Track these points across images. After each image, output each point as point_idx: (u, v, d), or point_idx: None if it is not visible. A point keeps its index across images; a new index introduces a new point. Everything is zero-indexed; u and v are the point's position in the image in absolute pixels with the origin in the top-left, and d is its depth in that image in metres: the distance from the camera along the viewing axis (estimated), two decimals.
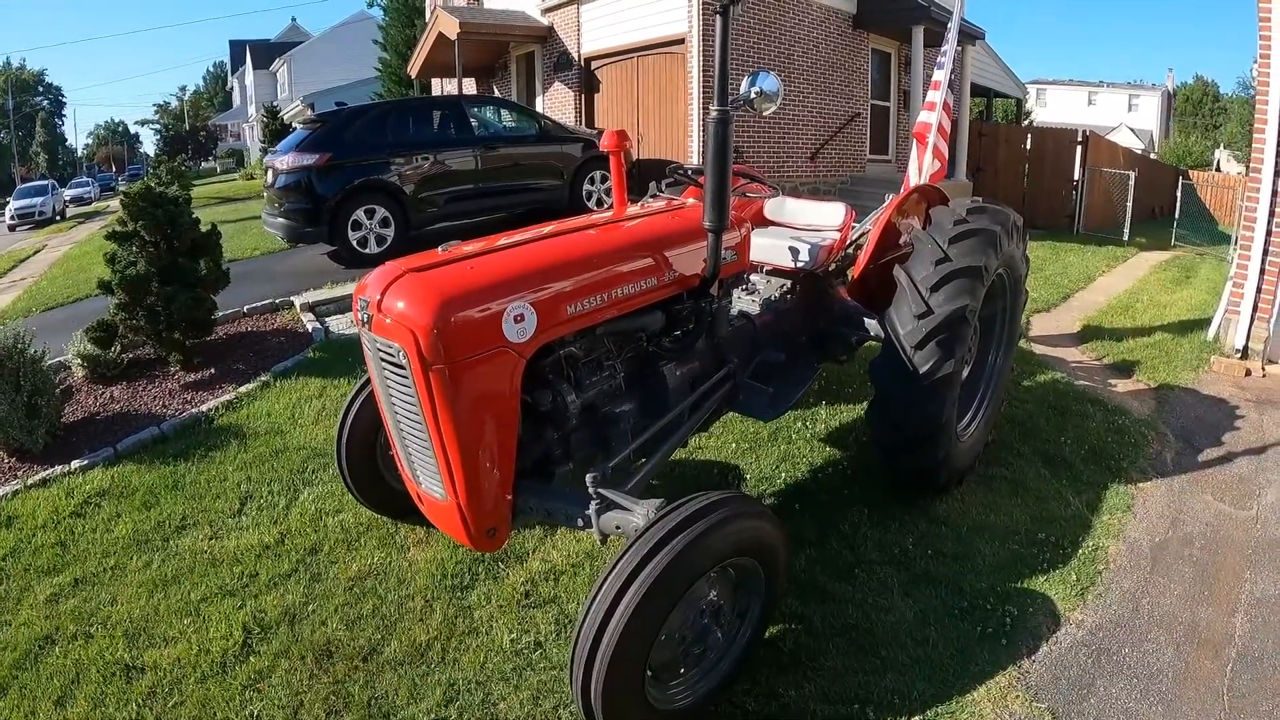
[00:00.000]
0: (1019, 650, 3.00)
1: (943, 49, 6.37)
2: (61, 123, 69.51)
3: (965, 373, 4.11)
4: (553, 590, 3.40)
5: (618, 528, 2.60)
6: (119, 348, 6.15)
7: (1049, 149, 15.84)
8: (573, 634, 2.28)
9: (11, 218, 26.74)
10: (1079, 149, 15.56)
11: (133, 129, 76.57)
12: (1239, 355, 6.20)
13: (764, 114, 3.11)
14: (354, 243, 9.06)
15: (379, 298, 2.40)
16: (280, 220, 9.16)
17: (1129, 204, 14.79)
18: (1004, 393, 4.56)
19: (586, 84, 14.32)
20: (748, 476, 4.37)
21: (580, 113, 14.50)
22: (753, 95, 3.01)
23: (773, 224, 4.68)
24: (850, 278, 4.18)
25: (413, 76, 18.39)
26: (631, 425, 3.10)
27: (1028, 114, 30.77)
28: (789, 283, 4.32)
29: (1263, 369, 5.99)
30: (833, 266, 4.41)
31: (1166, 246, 13.92)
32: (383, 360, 2.52)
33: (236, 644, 3.12)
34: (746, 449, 4.65)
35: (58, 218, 28.28)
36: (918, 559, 3.54)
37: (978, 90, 19.18)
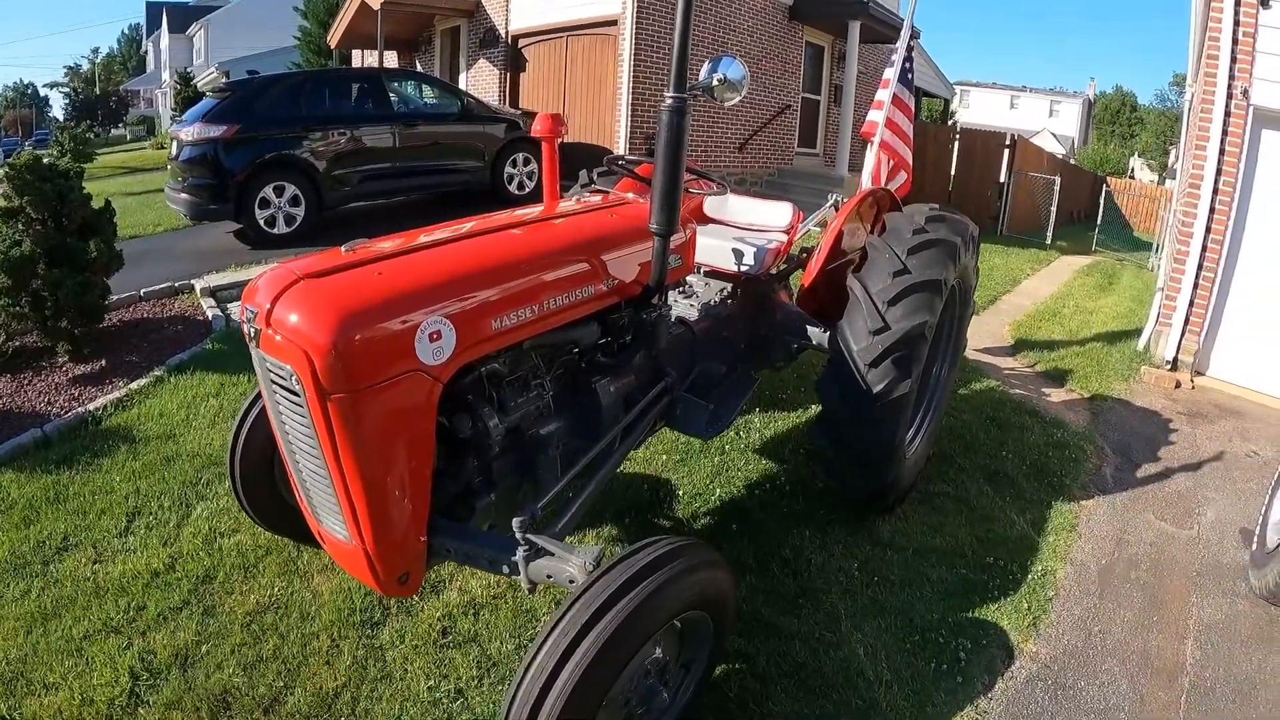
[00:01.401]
0: (975, 688, 2.85)
1: (896, 45, 6.17)
2: None
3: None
4: (472, 628, 3.08)
5: (549, 577, 2.28)
6: (2, 336, 5.56)
7: (978, 151, 16.12)
8: (505, 698, 1.98)
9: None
10: (1006, 152, 15.89)
11: (43, 92, 71.43)
12: (1169, 367, 6.30)
13: (725, 105, 2.84)
14: (261, 222, 8.45)
15: (268, 308, 1.99)
16: (183, 196, 8.47)
17: (1053, 208, 15.19)
18: (947, 406, 4.46)
19: (513, 62, 13.84)
20: (680, 493, 4.13)
21: (505, 93, 14.01)
22: (714, 83, 2.72)
23: (713, 221, 4.44)
24: (801, 285, 3.95)
25: (332, 47, 17.51)
26: (562, 450, 2.79)
27: (952, 114, 31.52)
28: (729, 286, 4.08)
29: (1191, 381, 6.09)
30: (779, 269, 4.20)
31: (1087, 251, 14.35)
32: (274, 382, 2.12)
33: (124, 691, 2.75)
34: (678, 461, 4.41)
35: None
36: (865, 586, 3.36)
37: None
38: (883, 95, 5.82)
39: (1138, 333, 7.31)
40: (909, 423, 3.96)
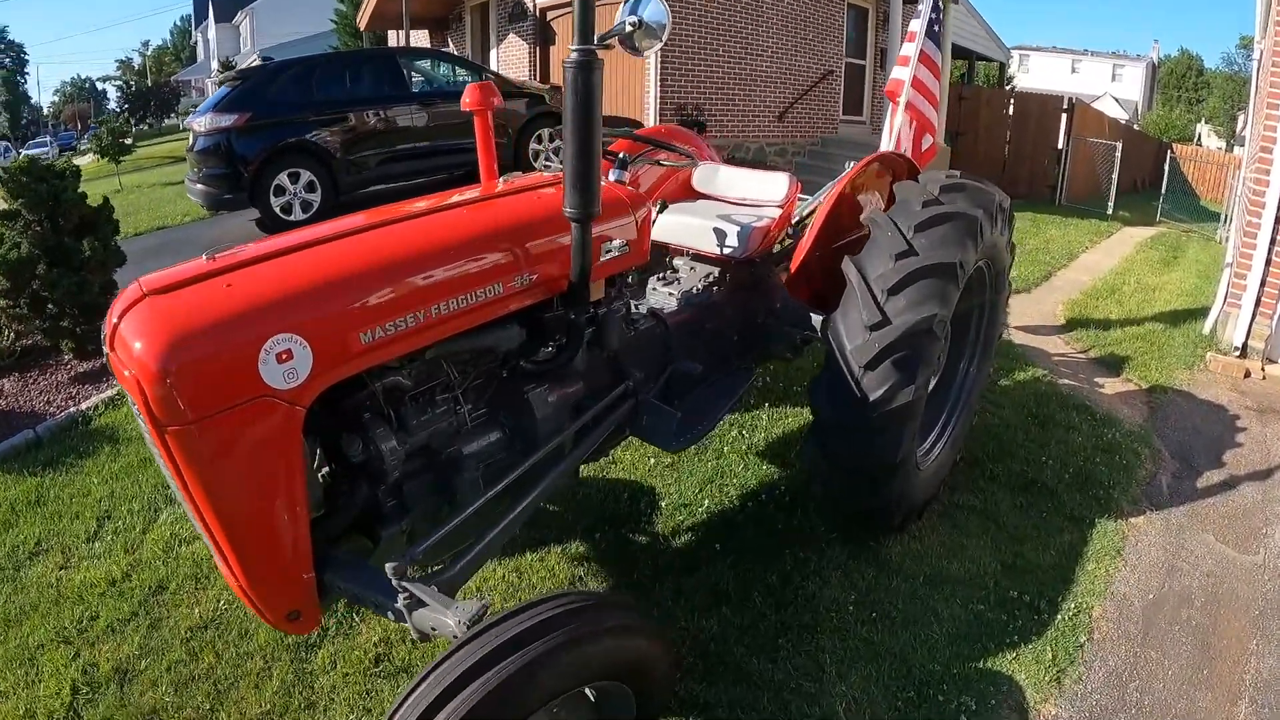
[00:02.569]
0: None
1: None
2: (24, 81, 66.58)
3: (930, 388, 3.43)
4: (408, 657, 2.82)
5: (434, 629, 1.91)
6: (11, 335, 5.65)
7: (1033, 115, 15.05)
8: None
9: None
10: (1064, 116, 14.78)
11: (99, 86, 73.59)
12: (1238, 353, 5.53)
13: (643, 54, 2.33)
14: (277, 209, 8.24)
15: (114, 326, 1.72)
16: (199, 187, 8.33)
17: (1114, 176, 14.08)
18: (977, 405, 3.88)
19: (542, 36, 13.35)
20: (663, 503, 3.66)
21: (535, 67, 13.55)
22: (627, 28, 2.22)
23: (702, 197, 3.92)
24: (789, 267, 3.40)
25: (361, 28, 17.27)
26: (486, 469, 2.37)
27: (1010, 79, 29.88)
28: (716, 271, 3.57)
29: (1263, 370, 5.33)
30: (777, 248, 3.67)
31: (1151, 222, 13.26)
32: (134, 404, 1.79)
33: (64, 705, 2.72)
34: (667, 465, 3.94)
35: None
36: (859, 624, 2.85)
37: (959, 52, 18.31)
38: (908, 51, 5.16)
39: (1203, 314, 6.50)
40: (923, 430, 3.42)
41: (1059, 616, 2.92)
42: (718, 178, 3.88)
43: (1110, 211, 13.35)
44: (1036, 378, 5.07)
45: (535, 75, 13.48)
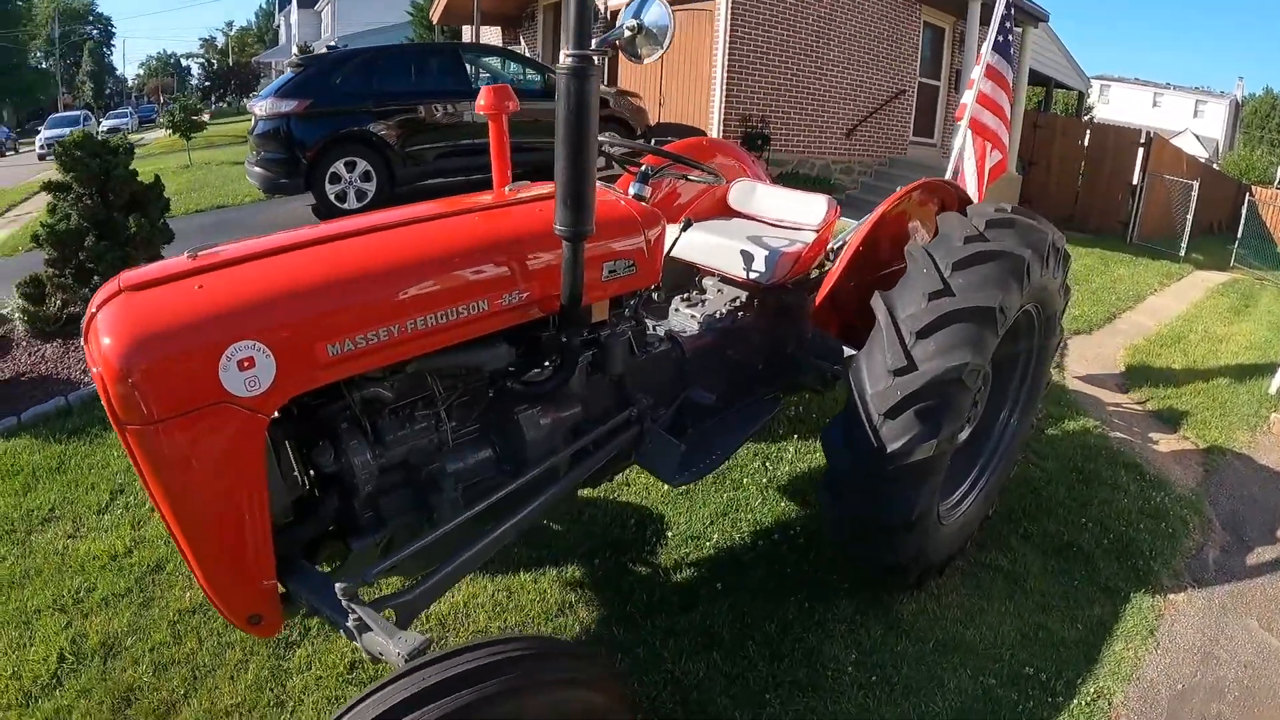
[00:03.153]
0: None
1: (996, 11, 5.19)
2: (110, 53, 69.28)
3: (962, 438, 3.21)
4: (379, 668, 2.70)
5: (380, 654, 1.83)
6: (58, 303, 5.72)
7: (1109, 148, 14.44)
8: None
9: (41, 147, 26.72)
10: (1141, 151, 14.12)
11: (184, 62, 76.26)
12: None
13: (644, 61, 2.18)
14: (332, 197, 8.31)
15: (92, 317, 1.72)
16: (257, 170, 8.46)
17: (1189, 216, 13.39)
18: (1017, 457, 3.62)
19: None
20: (669, 533, 3.51)
21: (604, 70, 13.48)
22: (627, 31, 2.07)
23: (738, 215, 3.75)
24: (817, 297, 3.18)
25: (434, 22, 17.46)
26: (469, 489, 2.27)
27: (1089, 109, 28.82)
28: (744, 296, 3.40)
29: None
30: (814, 274, 3.48)
31: (1225, 267, 12.58)
32: None
33: (49, 671, 2.80)
34: (680, 494, 3.78)
35: None
36: (856, 687, 2.65)
37: (1037, 78, 17.70)
38: (977, 73, 4.89)
39: (1271, 370, 6.07)
40: (952, 481, 3.20)
41: (1076, 700, 2.68)
42: (754, 196, 3.71)
43: (1183, 253, 12.68)
44: (1087, 428, 4.77)
45: (604, 78, 13.43)
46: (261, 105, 8.39)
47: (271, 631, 2.03)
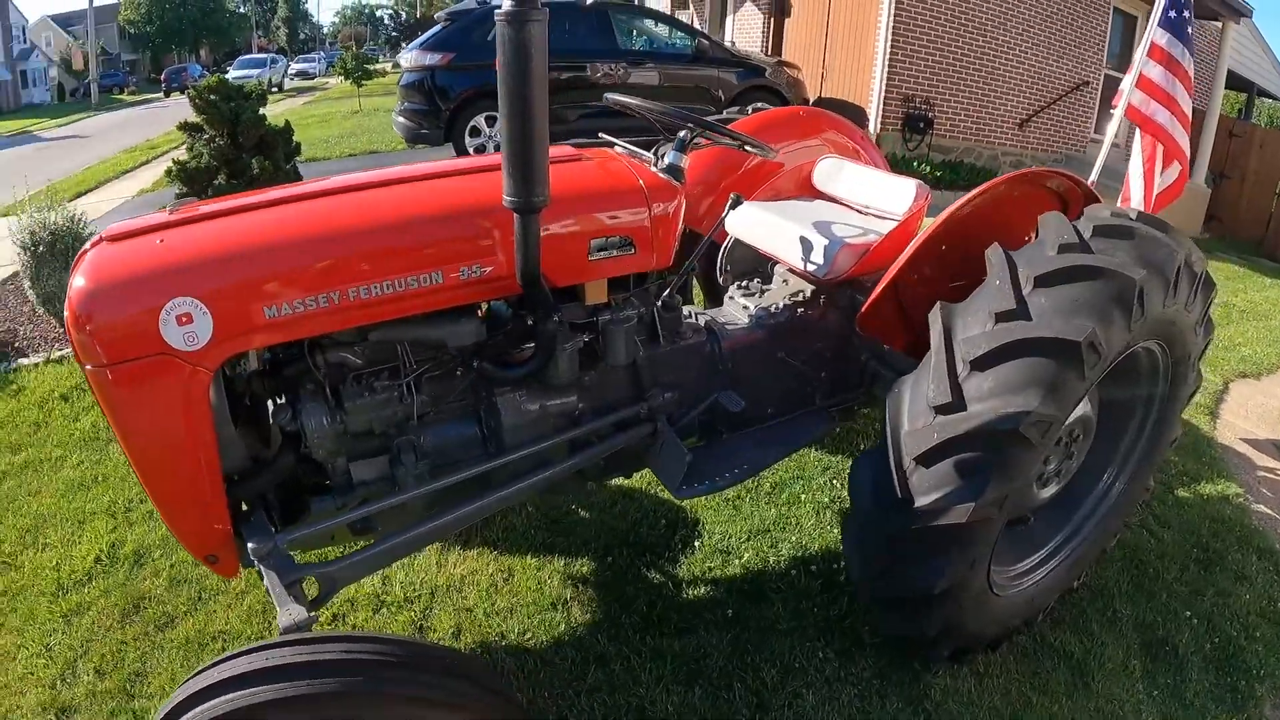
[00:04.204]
0: None
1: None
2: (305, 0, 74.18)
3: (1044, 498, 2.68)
4: (364, 620, 2.81)
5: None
6: None
7: None
8: None
9: (257, 84, 29.15)
10: None
11: (378, 13, 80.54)
12: None
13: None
14: (470, 150, 8.45)
15: (77, 264, 1.83)
16: (401, 120, 8.77)
17: None
18: (1120, 527, 3.00)
19: (778, 8, 12.64)
20: (699, 543, 3.19)
21: (768, 39, 12.90)
22: None
23: (823, 197, 3.30)
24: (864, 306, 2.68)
25: None
26: (436, 466, 2.19)
27: None
28: (809, 290, 2.97)
29: None
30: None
31: None
32: None
33: (85, 569, 3.12)
34: (731, 499, 3.46)
35: (274, 89, 30.26)
36: None
37: (1238, 81, 15.29)
38: (1153, 71, 4.00)
39: None
40: (1023, 544, 2.71)
41: None
42: (840, 175, 3.25)
43: None
44: (1226, 495, 3.94)
45: (768, 47, 12.88)
46: (408, 57, 8.62)
47: (229, 572, 2.10)
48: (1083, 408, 2.55)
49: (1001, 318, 2.09)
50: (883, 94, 10.32)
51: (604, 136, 2.60)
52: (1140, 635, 2.88)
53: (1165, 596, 3.08)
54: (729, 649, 2.64)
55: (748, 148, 2.45)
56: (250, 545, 1.90)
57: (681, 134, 2.37)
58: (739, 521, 3.35)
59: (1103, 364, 2.17)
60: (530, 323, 2.14)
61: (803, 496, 3.53)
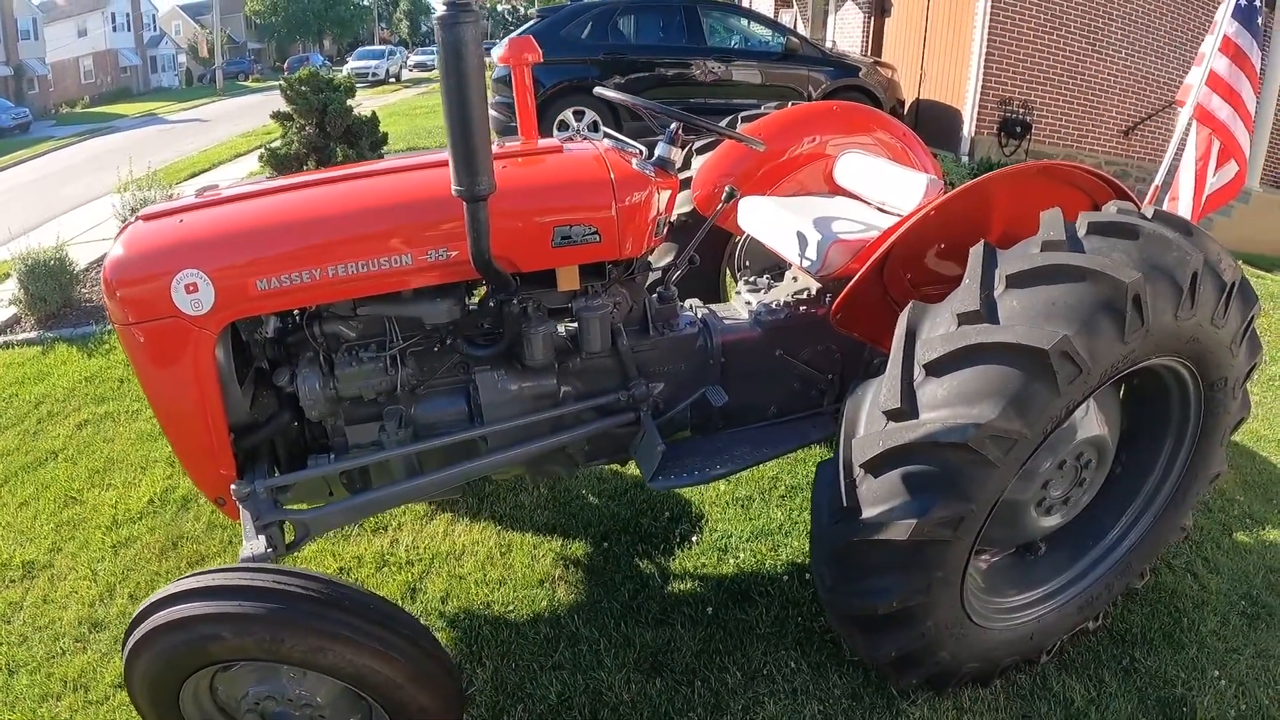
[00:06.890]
0: None
1: None
2: None
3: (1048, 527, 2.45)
4: (367, 577, 2.95)
5: None
6: None
7: None
8: None
9: (346, 77, 30.25)
10: None
11: (498, 8, 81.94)
12: None
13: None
14: None
15: (117, 238, 2.12)
16: (491, 112, 8.86)
17: None
18: (1144, 569, 2.69)
19: (878, 7, 12.17)
20: (698, 538, 3.11)
21: (868, 39, 12.46)
22: None
23: (843, 193, 3.14)
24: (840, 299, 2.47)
25: None
26: (418, 430, 2.35)
27: None
28: (815, 289, 2.82)
29: None
30: None
31: None
32: None
33: (138, 508, 3.41)
34: (741, 498, 3.36)
35: (391, 80, 30.60)
36: None
37: None
38: (1219, 63, 3.56)
39: None
40: (1028, 578, 2.50)
41: None
42: (855, 170, 3.07)
43: None
44: None
45: (868, 48, 12.44)
46: (497, 50, 8.75)
47: (235, 515, 2.23)
48: (1094, 429, 2.30)
49: (964, 319, 1.89)
50: (978, 96, 9.77)
51: (603, 130, 2.58)
52: (1158, 693, 2.52)
53: (1195, 650, 2.70)
54: (699, 646, 2.55)
55: (735, 139, 2.46)
56: (232, 486, 2.10)
57: (671, 127, 2.34)
58: (744, 521, 3.23)
59: (1086, 378, 1.90)
60: (491, 304, 2.24)
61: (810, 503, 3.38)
